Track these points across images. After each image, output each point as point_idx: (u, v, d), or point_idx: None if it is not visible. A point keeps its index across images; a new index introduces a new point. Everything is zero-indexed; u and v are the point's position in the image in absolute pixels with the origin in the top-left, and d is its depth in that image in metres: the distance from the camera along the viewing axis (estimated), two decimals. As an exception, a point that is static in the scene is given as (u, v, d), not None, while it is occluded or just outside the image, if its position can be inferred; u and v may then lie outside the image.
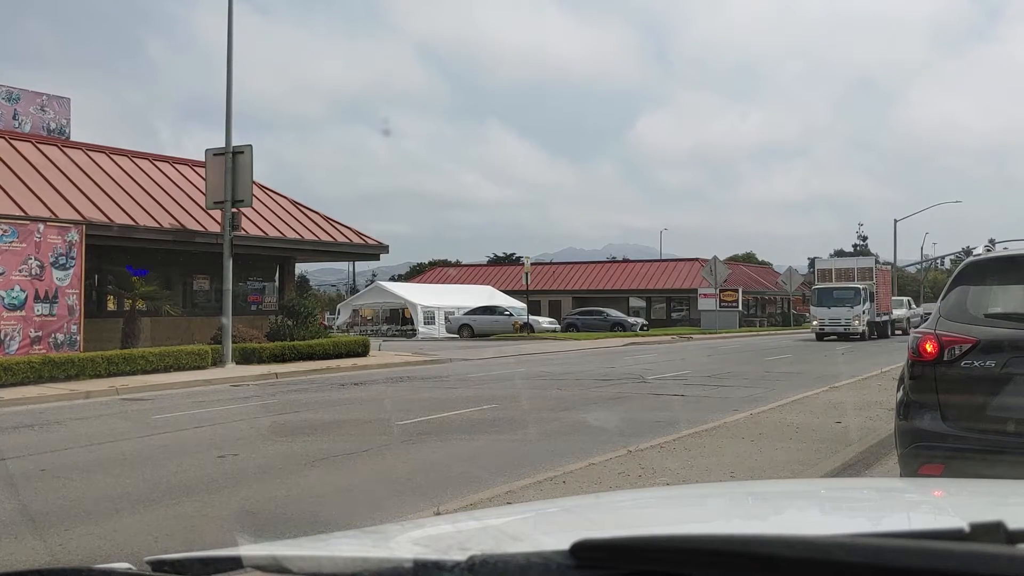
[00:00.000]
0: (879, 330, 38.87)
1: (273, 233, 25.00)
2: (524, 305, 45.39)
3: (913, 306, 48.76)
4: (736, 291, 50.44)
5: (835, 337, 36.01)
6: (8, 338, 17.57)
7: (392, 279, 64.84)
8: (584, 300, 56.59)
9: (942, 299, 5.53)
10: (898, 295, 71.56)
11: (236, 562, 1.34)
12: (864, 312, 36.54)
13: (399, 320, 48.36)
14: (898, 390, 5.62)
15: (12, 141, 22.02)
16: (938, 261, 77.70)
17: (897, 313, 43.96)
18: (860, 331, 35.85)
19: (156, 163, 25.41)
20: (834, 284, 38.07)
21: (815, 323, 37.33)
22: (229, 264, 20.69)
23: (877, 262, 41.73)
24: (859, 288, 36.95)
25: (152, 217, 22.19)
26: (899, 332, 42.13)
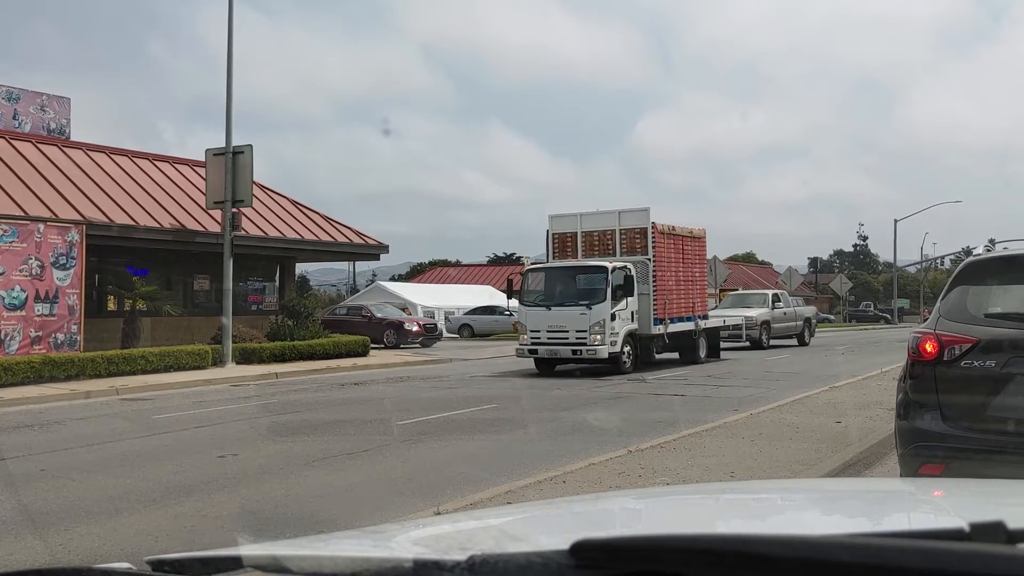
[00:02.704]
0: (671, 347, 20.68)
1: (273, 233, 25.00)
2: (524, 305, 45.31)
3: (781, 302, 30.55)
4: (736, 291, 50.43)
5: (569, 366, 19.56)
6: (8, 338, 17.57)
7: (392, 279, 64.83)
8: (584, 300, 56.38)
9: (942, 299, 5.53)
10: (898, 295, 71.81)
11: (236, 562, 1.34)
12: (617, 317, 18.51)
13: (399, 320, 48.28)
14: (898, 390, 5.62)
15: (12, 141, 22.03)
16: (938, 261, 77.73)
17: (744, 315, 27.13)
18: (605, 355, 18.23)
19: (156, 163, 25.42)
20: (572, 262, 20.09)
21: (524, 337, 19.10)
22: (229, 264, 20.70)
23: (690, 233, 21.84)
24: (606, 270, 18.53)
25: (152, 217, 22.19)
26: (748, 343, 27.30)
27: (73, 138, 24.30)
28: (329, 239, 26.88)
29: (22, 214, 18.86)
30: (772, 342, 28.98)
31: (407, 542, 1.49)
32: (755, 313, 28.13)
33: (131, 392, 15.57)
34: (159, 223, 22.15)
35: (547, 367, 19.39)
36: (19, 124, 23.26)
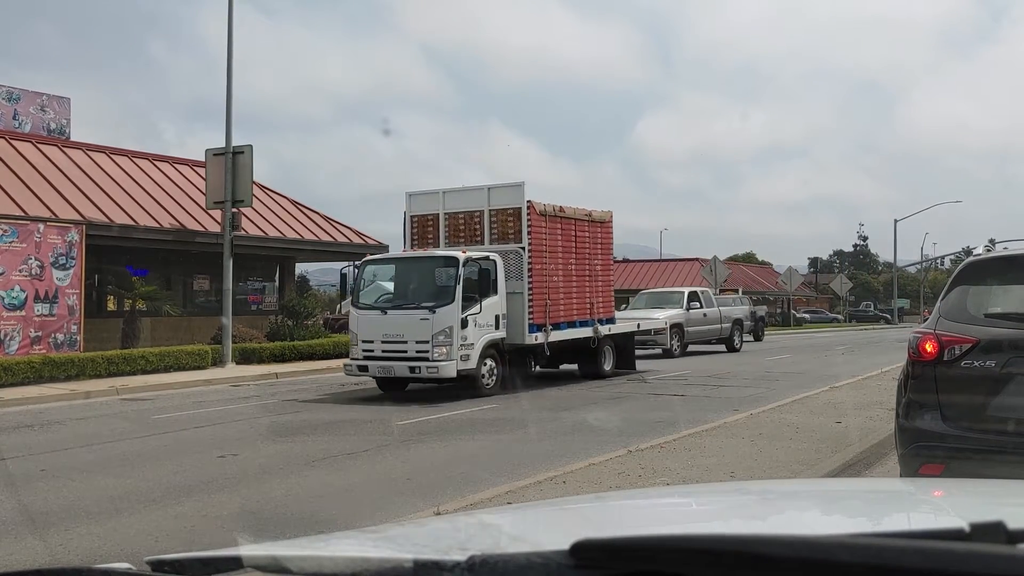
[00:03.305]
0: (561, 358, 17.09)
1: (273, 233, 25.01)
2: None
3: (698, 302, 25.99)
4: (736, 291, 50.46)
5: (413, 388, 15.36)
6: (8, 338, 17.57)
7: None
8: (584, 300, 56.46)
9: (942, 299, 5.53)
10: (898, 295, 71.84)
11: (236, 562, 1.34)
12: (472, 323, 14.29)
13: (399, 320, 48.15)
14: (898, 390, 5.63)
15: (12, 141, 22.03)
16: (938, 261, 77.76)
17: (649, 317, 22.64)
18: (453, 372, 13.97)
19: (156, 163, 25.42)
20: (414, 252, 16.29)
21: (355, 349, 14.84)
22: (229, 264, 20.70)
23: (577, 213, 16.84)
24: (456, 262, 14.36)
25: (152, 217, 22.20)
26: (659, 351, 23.17)
27: (73, 138, 24.30)
28: (329, 239, 26.88)
29: (22, 214, 18.86)
30: (691, 348, 25.58)
31: (407, 542, 1.49)
32: (663, 315, 23.62)
33: (131, 392, 15.57)
34: (159, 223, 22.15)
35: (392, 387, 15.01)
36: (19, 124, 23.26)
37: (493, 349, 14.79)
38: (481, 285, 14.46)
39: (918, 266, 76.97)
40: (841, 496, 2.24)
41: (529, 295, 15.37)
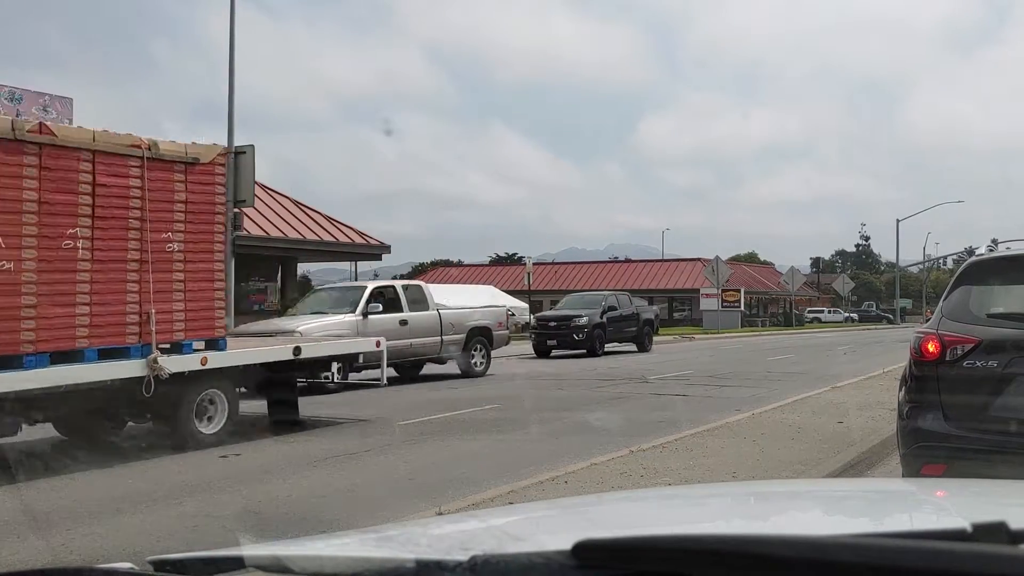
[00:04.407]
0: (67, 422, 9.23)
1: (275, 233, 25.00)
2: (526, 305, 45.35)
3: (379, 303, 16.47)
4: (738, 291, 50.50)
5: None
6: (10, 338, 17.57)
7: (394, 279, 64.77)
8: (586, 300, 56.56)
9: (944, 299, 5.53)
10: (901, 295, 71.98)
11: (238, 562, 1.34)
12: None
13: (400, 320, 48.00)
14: (900, 390, 5.62)
15: (14, 141, 22.04)
16: (941, 261, 77.72)
17: (283, 328, 15.43)
18: None
19: (158, 163, 25.43)
20: None
21: None
22: (231, 264, 20.70)
23: None
24: None
25: (154, 217, 22.20)
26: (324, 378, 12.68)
27: (75, 138, 24.31)
28: (331, 239, 26.89)
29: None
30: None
31: (409, 542, 1.49)
32: (307, 327, 15.02)
33: (133, 392, 15.55)
34: (161, 223, 22.15)
35: None
36: (21, 124, 23.28)
37: None
38: None
39: (920, 266, 76.91)
40: (843, 496, 2.24)
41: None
